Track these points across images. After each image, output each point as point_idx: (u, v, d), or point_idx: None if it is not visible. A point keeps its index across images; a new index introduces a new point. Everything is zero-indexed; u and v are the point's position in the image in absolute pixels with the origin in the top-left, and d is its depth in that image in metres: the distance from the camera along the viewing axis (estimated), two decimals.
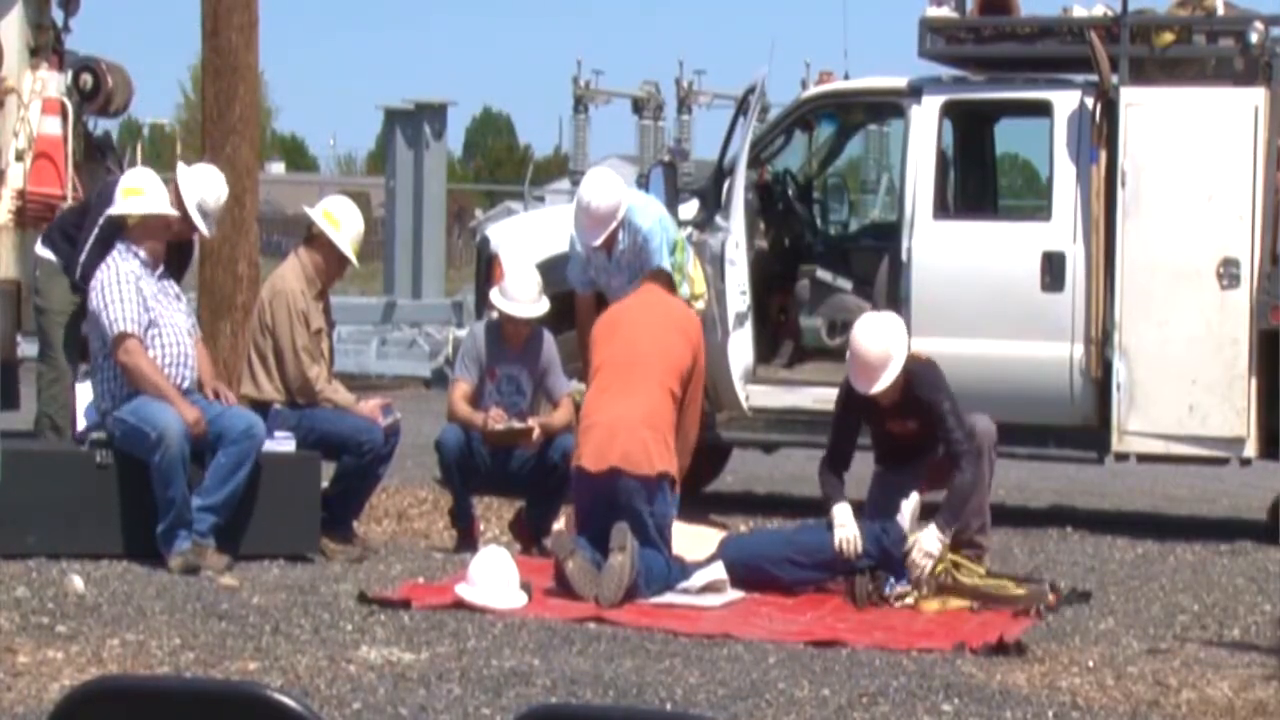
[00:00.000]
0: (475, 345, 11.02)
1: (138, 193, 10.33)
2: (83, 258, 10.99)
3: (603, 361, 9.94)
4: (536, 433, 10.74)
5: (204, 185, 10.65)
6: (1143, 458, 12.66)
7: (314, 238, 10.85)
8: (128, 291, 10.08)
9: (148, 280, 10.19)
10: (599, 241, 11.43)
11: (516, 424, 10.76)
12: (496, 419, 10.70)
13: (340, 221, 10.81)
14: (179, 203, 10.56)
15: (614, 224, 11.39)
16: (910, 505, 9.89)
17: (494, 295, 11.04)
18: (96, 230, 10.95)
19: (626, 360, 9.84)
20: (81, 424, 11.54)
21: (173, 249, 10.73)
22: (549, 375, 11.00)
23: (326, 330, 10.90)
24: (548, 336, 11.09)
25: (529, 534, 10.87)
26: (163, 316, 10.18)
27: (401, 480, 12.88)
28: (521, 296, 10.87)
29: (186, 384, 10.20)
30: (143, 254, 10.23)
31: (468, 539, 10.85)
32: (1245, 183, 12.07)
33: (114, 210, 10.35)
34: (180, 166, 11.05)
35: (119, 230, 10.40)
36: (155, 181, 10.45)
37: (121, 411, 10.07)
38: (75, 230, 11.30)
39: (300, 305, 10.63)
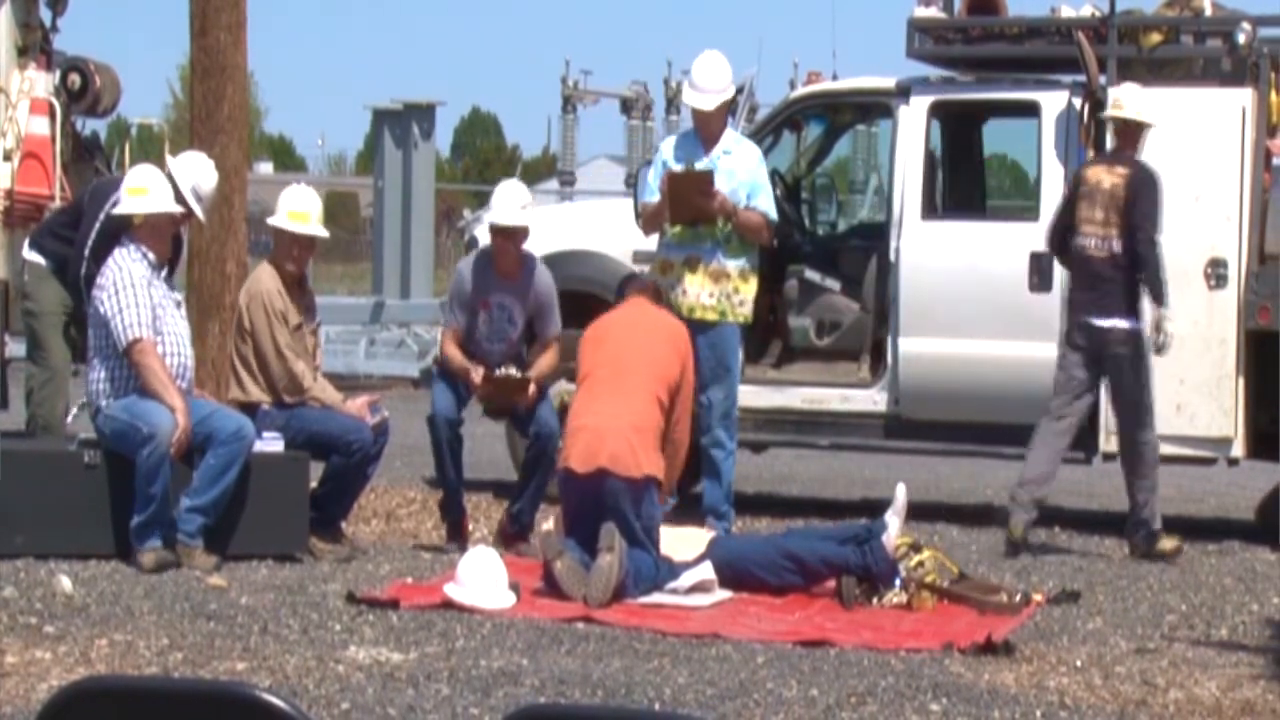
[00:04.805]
0: (461, 284, 10.95)
1: (142, 192, 10.28)
2: (85, 258, 10.96)
3: (590, 369, 9.94)
4: (532, 388, 10.71)
5: (195, 170, 10.70)
6: None
7: (273, 233, 10.90)
8: (142, 296, 10.05)
9: (156, 284, 10.16)
10: (711, 104, 11.21)
11: (513, 372, 10.72)
12: (480, 375, 10.62)
13: (278, 204, 10.81)
14: (173, 190, 10.57)
15: (724, 97, 11.19)
16: (899, 499, 9.88)
17: (483, 216, 10.96)
18: (96, 229, 10.93)
19: (615, 368, 9.84)
20: (73, 413, 11.57)
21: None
22: (542, 315, 10.90)
23: (310, 327, 10.88)
24: (545, 272, 11.01)
25: (512, 535, 10.83)
26: (166, 325, 10.15)
27: (390, 480, 12.88)
28: (507, 205, 10.83)
29: (184, 390, 10.19)
30: (151, 256, 10.21)
31: (457, 532, 10.84)
32: (1233, 183, 12.09)
33: (119, 210, 10.31)
34: (168, 157, 11.06)
35: (122, 229, 10.36)
36: (160, 179, 10.39)
37: (113, 409, 10.06)
38: (68, 231, 11.28)
39: (278, 305, 10.62)
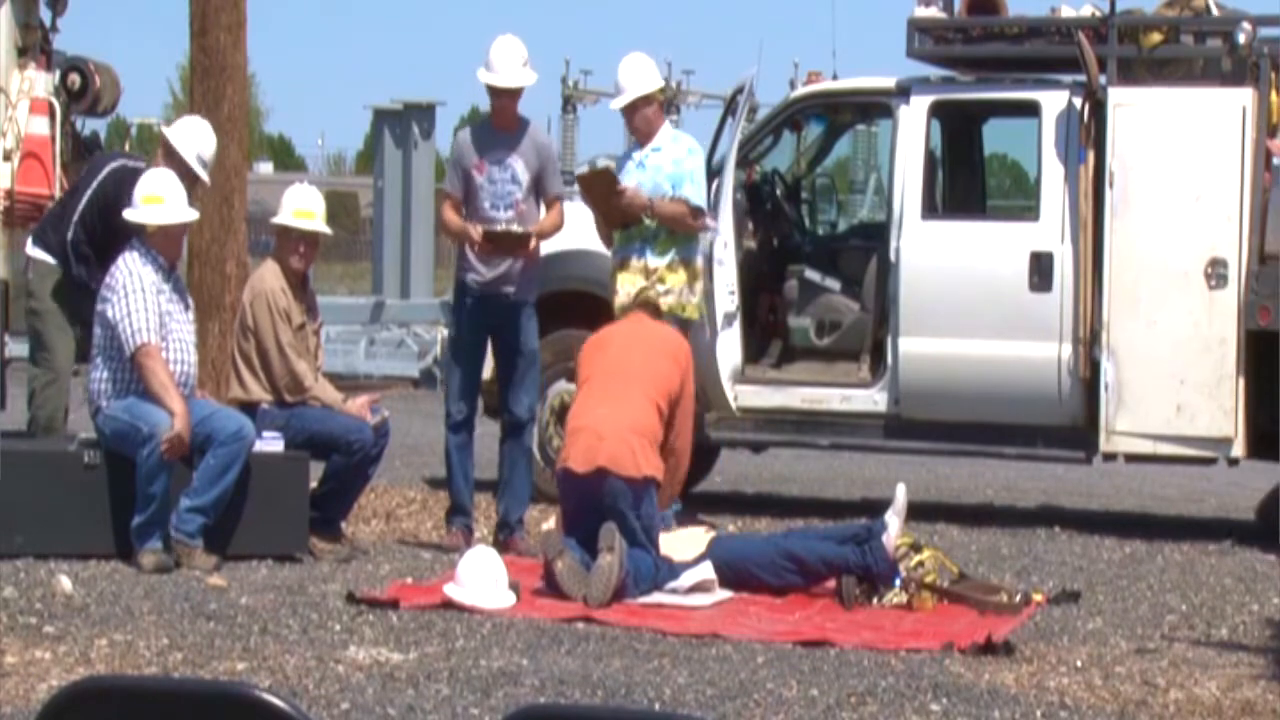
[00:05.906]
0: (459, 149, 11.03)
1: (158, 201, 10.27)
2: (74, 223, 10.93)
3: (591, 374, 9.95)
4: (533, 242, 10.73)
5: (196, 137, 10.83)
6: (1130, 457, 12.67)
7: (277, 231, 10.91)
8: (150, 301, 10.06)
9: (164, 288, 10.17)
10: (620, 104, 11.30)
11: (514, 228, 10.72)
12: (478, 233, 10.64)
13: (283, 203, 10.82)
14: (173, 158, 10.61)
15: (638, 94, 11.22)
16: (899, 499, 9.87)
17: (479, 73, 10.97)
18: (88, 197, 10.92)
19: (615, 374, 9.85)
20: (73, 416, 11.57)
21: None
22: (544, 170, 10.90)
23: (312, 326, 10.89)
24: (542, 130, 11.07)
25: (504, 542, 10.78)
26: (172, 332, 10.17)
27: (390, 480, 12.88)
28: (504, 65, 10.82)
29: (185, 394, 10.20)
30: (162, 259, 10.22)
31: (460, 540, 10.80)
32: (1233, 183, 12.08)
33: (134, 218, 10.29)
34: (163, 127, 11.09)
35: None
36: (176, 187, 10.38)
37: (113, 409, 10.07)
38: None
39: (281, 303, 10.63)
